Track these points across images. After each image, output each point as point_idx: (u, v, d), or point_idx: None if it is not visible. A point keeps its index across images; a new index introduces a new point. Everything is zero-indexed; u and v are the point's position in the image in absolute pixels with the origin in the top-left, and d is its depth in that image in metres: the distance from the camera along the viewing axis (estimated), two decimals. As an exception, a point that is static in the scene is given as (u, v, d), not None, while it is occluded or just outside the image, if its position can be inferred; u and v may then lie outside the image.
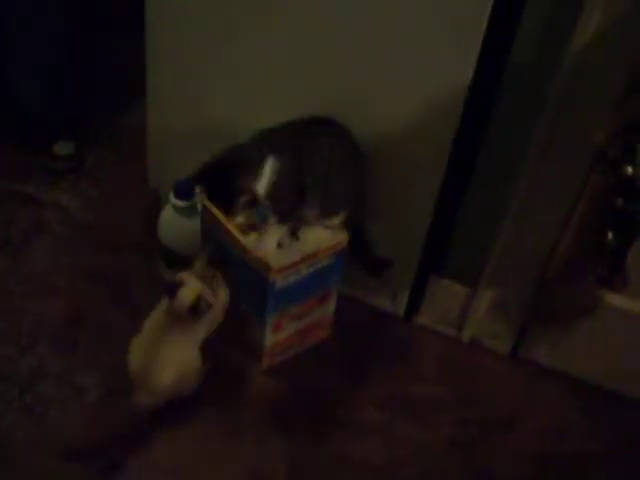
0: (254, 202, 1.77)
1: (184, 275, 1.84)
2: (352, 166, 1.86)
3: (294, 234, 1.88)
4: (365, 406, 2.01)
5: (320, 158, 1.79)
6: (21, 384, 1.95)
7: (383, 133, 1.91)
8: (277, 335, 1.99)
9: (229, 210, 1.82)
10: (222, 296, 1.90)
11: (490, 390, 2.10)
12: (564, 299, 2.01)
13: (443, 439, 1.97)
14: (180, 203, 2.06)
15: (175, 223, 2.10)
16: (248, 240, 1.86)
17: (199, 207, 2.01)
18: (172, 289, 1.81)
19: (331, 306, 2.08)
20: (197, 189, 1.99)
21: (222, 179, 1.76)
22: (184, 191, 2.04)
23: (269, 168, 1.74)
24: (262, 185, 1.75)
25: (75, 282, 2.20)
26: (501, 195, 1.90)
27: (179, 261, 2.05)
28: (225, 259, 1.94)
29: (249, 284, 1.92)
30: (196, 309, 1.80)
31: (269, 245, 1.84)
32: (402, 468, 1.90)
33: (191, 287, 1.81)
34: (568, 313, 2.04)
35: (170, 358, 1.83)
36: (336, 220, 1.88)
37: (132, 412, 1.84)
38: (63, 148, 2.50)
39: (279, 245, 1.86)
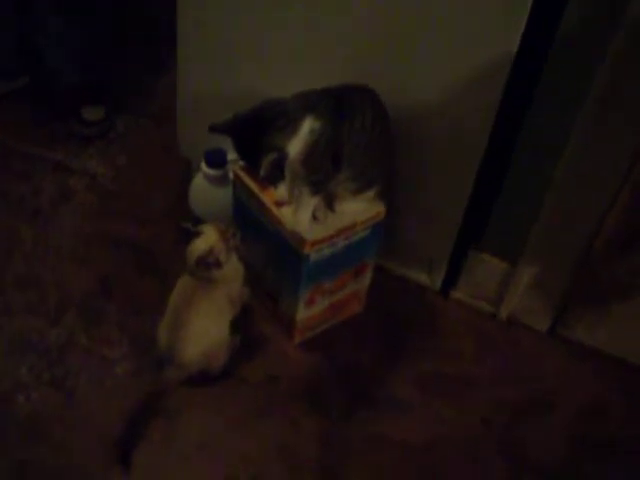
0: (281, 162, 1.68)
1: (205, 226, 1.80)
2: (388, 137, 1.78)
3: (330, 206, 1.81)
4: (400, 384, 1.96)
5: (360, 126, 1.70)
6: (50, 356, 1.92)
7: (423, 101, 1.83)
8: (310, 309, 1.93)
9: (255, 167, 1.71)
10: (237, 265, 1.86)
11: (527, 369, 2.04)
12: (607, 278, 1.93)
13: (478, 419, 1.92)
14: (212, 172, 2.00)
15: (206, 192, 2.05)
16: (282, 212, 1.79)
17: (231, 176, 1.95)
18: (187, 237, 1.78)
19: (366, 279, 2.02)
20: (229, 158, 1.92)
21: (252, 133, 1.66)
22: (216, 160, 1.99)
23: (306, 129, 1.64)
24: (295, 146, 1.65)
25: (103, 251, 2.15)
26: (546, 167, 1.82)
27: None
28: (256, 231, 1.88)
29: (282, 257, 1.86)
30: (206, 262, 1.76)
31: (303, 217, 1.77)
32: (437, 448, 1.85)
33: (205, 239, 1.77)
34: (610, 292, 1.96)
35: (197, 331, 1.79)
36: (371, 193, 1.80)
37: (160, 386, 1.81)
38: (92, 113, 2.44)
39: (314, 217, 1.79)
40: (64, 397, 1.85)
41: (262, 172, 1.64)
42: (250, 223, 1.92)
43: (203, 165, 2.00)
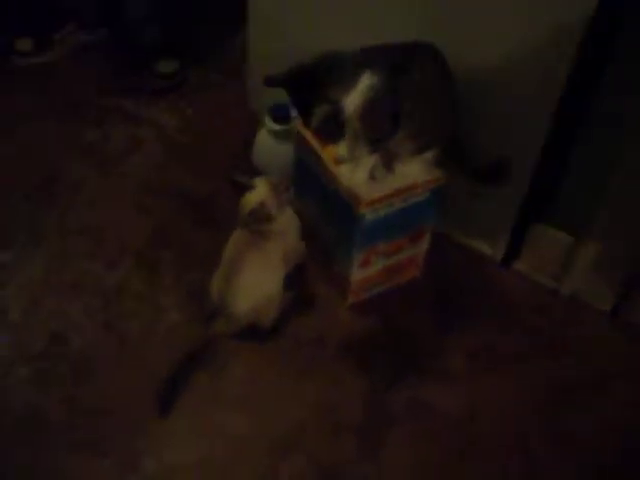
0: (337, 117, 1.63)
1: (257, 180, 1.79)
2: (451, 98, 1.72)
3: (389, 166, 1.77)
4: (450, 354, 1.91)
5: (419, 83, 1.65)
6: (105, 299, 1.95)
7: (490, 64, 1.78)
8: (364, 271, 1.90)
9: (310, 121, 1.67)
10: (292, 219, 1.85)
11: (584, 349, 1.96)
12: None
13: (529, 396, 1.86)
14: (275, 127, 2.00)
15: (269, 147, 2.04)
16: (340, 170, 1.77)
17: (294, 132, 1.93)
18: (241, 190, 1.78)
19: (424, 245, 1.98)
20: (293, 113, 1.90)
21: (308, 85, 1.61)
22: (280, 114, 1.97)
23: (364, 84, 1.59)
24: (352, 101, 1.60)
25: (163, 202, 2.17)
26: (617, 141, 1.74)
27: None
28: (315, 189, 1.86)
29: (338, 216, 1.84)
30: (257, 216, 1.75)
31: (360, 176, 1.74)
32: (480, 423, 1.80)
33: (257, 192, 1.76)
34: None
35: (248, 284, 1.79)
36: (429, 154, 1.75)
37: (210, 336, 1.81)
38: (166, 66, 2.46)
39: (372, 177, 1.76)
40: (116, 339, 1.88)
41: (314, 123, 1.61)
42: (309, 180, 1.90)
43: (267, 120, 1.99)
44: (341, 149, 1.77)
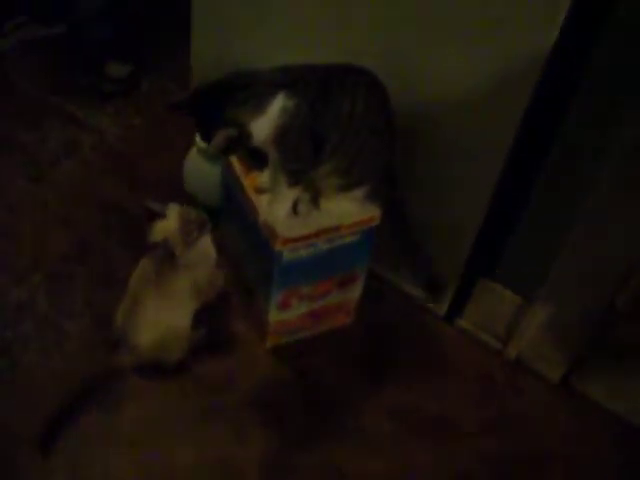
0: (241, 142, 1.44)
1: (170, 209, 1.64)
2: (387, 130, 1.54)
3: (315, 201, 1.59)
4: (373, 414, 1.72)
5: (349, 112, 1.46)
6: (5, 318, 1.78)
7: (439, 104, 1.60)
8: (284, 313, 1.73)
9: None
10: (208, 252, 1.68)
11: (525, 421, 1.76)
12: (633, 336, 1.64)
13: (456, 469, 1.67)
14: (204, 146, 1.81)
15: (199, 168, 1.88)
16: (260, 200, 1.59)
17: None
18: (152, 217, 1.63)
19: (356, 290, 1.79)
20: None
21: (212, 107, 1.42)
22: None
23: (277, 107, 1.41)
24: (262, 125, 1.42)
25: (90, 216, 2.01)
26: (575, 197, 1.56)
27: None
28: (238, 218, 1.69)
29: (259, 251, 1.66)
30: (164, 249, 1.60)
31: (281, 210, 1.57)
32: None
33: (166, 223, 1.62)
34: (636, 352, 1.67)
35: (152, 318, 1.63)
36: (359, 192, 1.57)
37: (109, 369, 1.64)
38: (118, 69, 2.31)
39: (294, 212, 1.58)
40: (8, 363, 1.71)
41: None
42: (234, 208, 1.73)
43: (197, 137, 1.81)
44: (263, 177, 1.60)
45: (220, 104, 1.40)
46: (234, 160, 1.67)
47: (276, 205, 1.56)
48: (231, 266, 1.78)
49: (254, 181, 1.62)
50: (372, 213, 1.62)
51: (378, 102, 1.51)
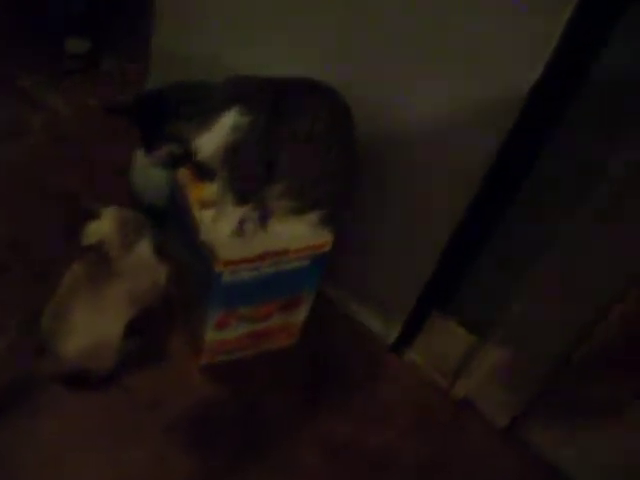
0: (184, 157, 1.33)
1: (106, 211, 1.52)
2: (347, 154, 1.43)
3: (263, 221, 1.48)
4: (305, 444, 1.63)
5: (305, 132, 1.35)
6: None
7: (408, 133, 1.49)
8: (221, 333, 1.63)
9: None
10: (146, 260, 1.57)
11: (465, 460, 1.69)
12: (585, 391, 1.56)
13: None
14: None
15: (146, 169, 1.75)
16: (203, 215, 1.48)
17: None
18: (86, 217, 1.51)
19: (301, 313, 1.70)
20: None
21: (153, 118, 1.30)
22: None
23: (227, 123, 1.30)
24: (210, 141, 1.31)
25: (33, 205, 1.89)
26: (537, 240, 1.46)
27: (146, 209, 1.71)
28: (180, 228, 1.59)
29: (198, 267, 1.55)
30: (96, 253, 1.49)
31: (224, 229, 1.46)
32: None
33: (101, 224, 1.50)
34: (587, 408, 1.59)
35: (80, 326, 1.52)
36: (313, 216, 1.47)
37: (33, 374, 1.55)
38: (77, 46, 2.17)
39: (239, 232, 1.47)
40: None
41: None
42: (177, 217, 1.62)
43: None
44: (210, 190, 1.49)
45: (163, 117, 1.28)
46: (181, 168, 1.55)
47: (220, 223, 1.46)
48: (173, 272, 1.66)
49: (201, 193, 1.51)
50: (324, 239, 1.52)
51: (340, 124, 1.40)
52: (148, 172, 1.74)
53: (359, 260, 1.71)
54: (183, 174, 1.55)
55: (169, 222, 1.71)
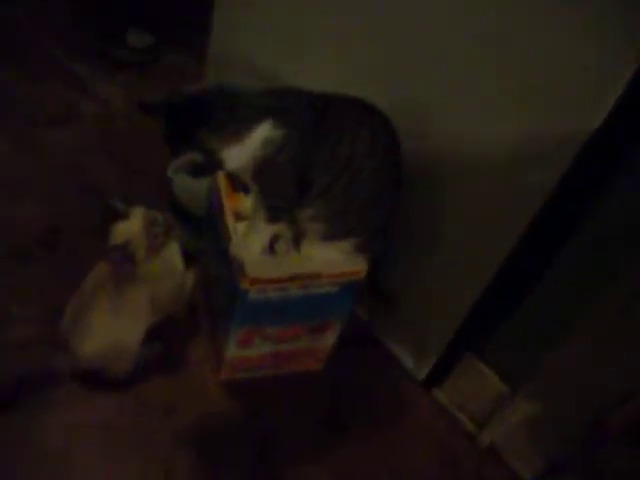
0: (209, 167, 1.27)
1: (134, 211, 1.47)
2: (390, 181, 1.35)
3: (297, 242, 1.42)
4: (321, 477, 1.55)
5: (345, 155, 1.27)
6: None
7: (457, 163, 1.43)
8: (244, 350, 1.57)
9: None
10: (172, 265, 1.52)
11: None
12: (615, 457, 1.46)
13: None
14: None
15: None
16: (237, 228, 1.43)
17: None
18: (112, 217, 1.47)
19: (329, 338, 1.63)
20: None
21: (184, 121, 1.23)
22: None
23: (258, 137, 1.22)
24: (239, 154, 1.24)
25: (68, 193, 1.85)
26: (583, 296, 1.37)
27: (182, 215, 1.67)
28: (214, 237, 1.53)
29: (226, 279, 1.50)
30: (121, 254, 1.42)
31: (255, 244, 1.40)
32: None
33: (129, 224, 1.45)
34: (616, 475, 1.49)
35: (100, 327, 1.49)
36: (347, 244, 1.39)
37: (47, 368, 1.51)
38: (138, 39, 2.14)
39: (271, 250, 1.41)
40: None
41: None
42: (211, 225, 1.57)
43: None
44: (246, 203, 1.43)
45: (195, 121, 1.22)
46: (221, 175, 1.50)
47: (252, 238, 1.40)
48: (201, 280, 1.61)
49: (236, 204, 1.46)
50: (358, 267, 1.45)
51: (385, 148, 1.32)
52: (187, 177, 1.69)
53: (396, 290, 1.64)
54: (222, 182, 1.49)
55: (204, 230, 1.66)
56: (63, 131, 1.96)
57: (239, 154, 1.23)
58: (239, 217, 1.44)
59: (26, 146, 1.90)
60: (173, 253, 1.52)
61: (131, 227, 1.44)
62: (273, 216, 1.34)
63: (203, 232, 1.65)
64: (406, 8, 1.39)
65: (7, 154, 1.87)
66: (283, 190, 1.30)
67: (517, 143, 1.34)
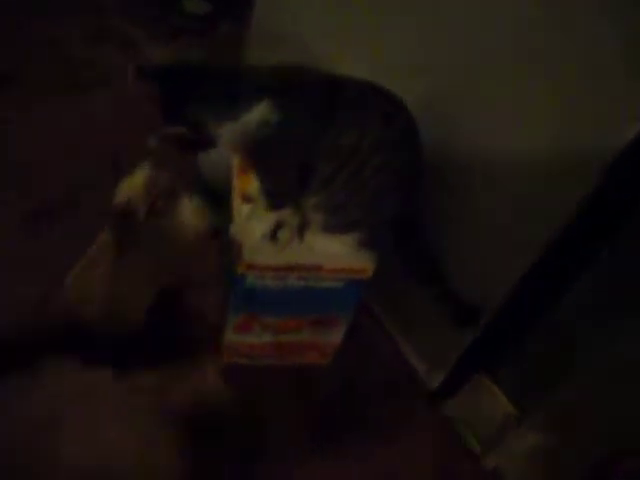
0: (195, 144, 1.19)
1: (140, 167, 1.38)
2: (402, 176, 1.24)
3: (300, 232, 1.35)
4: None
5: (352, 144, 1.18)
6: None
7: (480, 164, 1.32)
8: (242, 336, 1.52)
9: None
10: (178, 229, 1.40)
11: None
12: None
13: None
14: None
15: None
16: (241, 209, 1.37)
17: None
18: (120, 174, 1.38)
19: (335, 334, 1.56)
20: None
21: (178, 94, 1.15)
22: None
23: (256, 116, 1.14)
24: (228, 133, 1.16)
25: (101, 153, 1.81)
26: (599, 328, 1.26)
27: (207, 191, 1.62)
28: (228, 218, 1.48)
29: (229, 265, 1.44)
30: (121, 214, 1.35)
31: (256, 229, 1.34)
32: None
33: (130, 182, 1.35)
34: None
35: (101, 294, 1.44)
36: (351, 238, 1.31)
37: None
38: (195, 6, 2.09)
39: (273, 236, 1.34)
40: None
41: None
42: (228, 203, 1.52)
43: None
44: (255, 185, 1.36)
45: (188, 92, 1.14)
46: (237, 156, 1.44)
47: (254, 222, 1.34)
48: (223, 259, 1.55)
49: (246, 185, 1.39)
50: (364, 264, 1.37)
51: (398, 138, 1.22)
52: (212, 153, 1.63)
53: (413, 294, 1.54)
54: (237, 161, 1.44)
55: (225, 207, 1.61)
56: (105, 91, 1.93)
57: (231, 133, 1.16)
58: (246, 199, 1.38)
59: (72, 106, 1.88)
60: (184, 218, 1.43)
61: (134, 183, 1.36)
62: (273, 203, 1.27)
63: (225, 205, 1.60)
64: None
65: (52, 100, 1.87)
66: (281, 175, 1.22)
67: (550, 153, 1.23)
